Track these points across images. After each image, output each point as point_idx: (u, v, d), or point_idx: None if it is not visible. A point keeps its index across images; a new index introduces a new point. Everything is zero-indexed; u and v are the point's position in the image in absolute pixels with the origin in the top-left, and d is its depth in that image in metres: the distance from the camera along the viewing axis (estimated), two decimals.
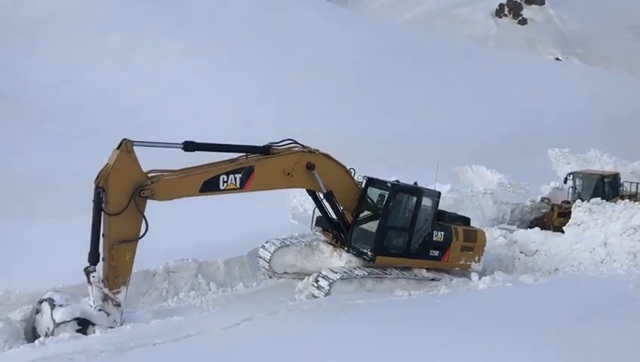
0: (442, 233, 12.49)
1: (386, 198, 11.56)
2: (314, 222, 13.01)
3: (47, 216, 15.26)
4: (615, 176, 21.83)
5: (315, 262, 12.47)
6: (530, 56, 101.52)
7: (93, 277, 8.76)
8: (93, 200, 8.72)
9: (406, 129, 34.81)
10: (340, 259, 12.16)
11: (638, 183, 21.87)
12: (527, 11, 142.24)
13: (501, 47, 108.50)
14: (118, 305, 8.99)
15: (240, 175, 10.01)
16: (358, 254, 11.73)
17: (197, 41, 44.31)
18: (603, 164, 30.69)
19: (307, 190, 11.80)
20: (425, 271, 12.44)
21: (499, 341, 8.37)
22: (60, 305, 8.66)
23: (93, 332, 8.34)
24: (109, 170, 8.62)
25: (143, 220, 9.01)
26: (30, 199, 16.57)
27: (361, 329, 8.65)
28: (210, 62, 40.57)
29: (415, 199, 11.89)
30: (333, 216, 11.94)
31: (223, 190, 9.88)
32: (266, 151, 10.47)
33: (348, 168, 11.86)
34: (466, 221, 13.76)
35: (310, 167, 10.86)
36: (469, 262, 13.12)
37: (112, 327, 8.55)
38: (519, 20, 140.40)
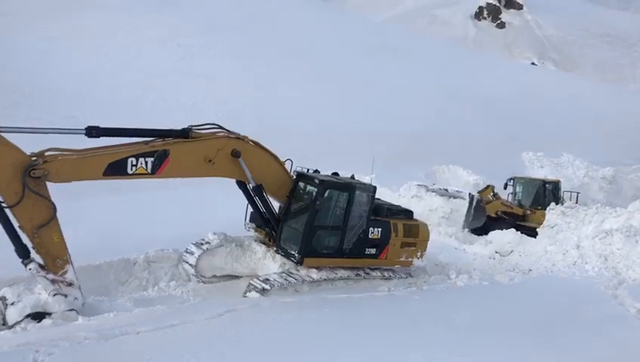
0: (379, 229, 11.62)
1: (314, 195, 10.63)
2: (248, 218, 11.99)
3: None
4: (556, 184, 21.94)
5: (247, 263, 11.48)
6: (507, 59, 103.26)
7: (30, 269, 8.37)
8: None
9: (383, 126, 35.05)
10: (273, 261, 11.23)
11: (578, 193, 22.13)
12: (505, 15, 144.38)
13: (479, 50, 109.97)
14: (71, 283, 8.68)
15: (152, 159, 9.06)
16: (287, 255, 10.87)
17: (178, 28, 43.81)
18: (575, 168, 31.51)
19: (237, 181, 10.81)
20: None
21: (477, 339, 8.62)
22: (12, 303, 8.33)
23: (51, 321, 8.10)
24: None
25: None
26: None
27: (342, 323, 8.80)
28: (191, 51, 40.18)
29: (347, 195, 10.98)
30: (264, 211, 11.03)
31: (132, 174, 8.95)
32: (185, 134, 9.51)
33: (284, 159, 11.02)
34: (408, 214, 12.69)
35: (235, 154, 9.88)
36: (410, 259, 12.38)
37: (73, 310, 8.34)
38: (498, 24, 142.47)
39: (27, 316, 8.10)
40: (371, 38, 61.53)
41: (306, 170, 11.58)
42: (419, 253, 12.51)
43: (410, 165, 27.80)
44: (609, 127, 49.05)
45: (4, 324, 8.27)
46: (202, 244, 11.39)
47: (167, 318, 8.07)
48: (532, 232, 17.14)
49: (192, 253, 11.25)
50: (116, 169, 8.76)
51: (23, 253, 8.40)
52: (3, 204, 8.05)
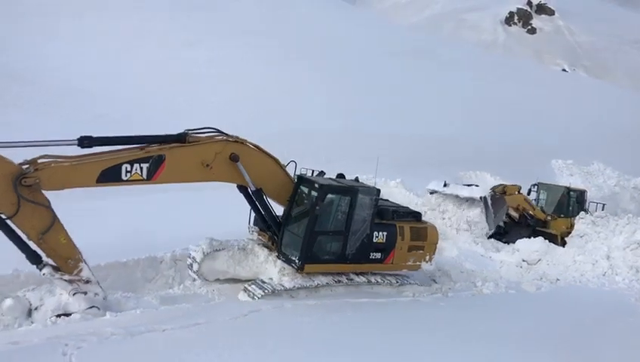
0: (384, 233, 11.16)
1: (314, 200, 10.24)
2: (251, 222, 11.77)
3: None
4: (582, 193, 21.18)
5: (250, 267, 11.20)
6: (538, 65, 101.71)
7: (45, 274, 8.51)
8: None
9: (411, 129, 34.90)
10: (274, 265, 10.96)
11: (604, 204, 21.49)
12: (536, 21, 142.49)
13: (509, 55, 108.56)
14: (88, 281, 8.74)
15: (147, 164, 8.80)
16: (287, 261, 10.56)
17: (207, 32, 44.35)
18: (606, 177, 30.86)
19: (237, 186, 10.51)
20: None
21: (500, 348, 8.47)
22: (36, 308, 8.55)
23: (80, 316, 8.26)
24: None
25: None
26: None
27: (365, 327, 8.77)
28: (220, 54, 40.60)
29: (348, 199, 10.57)
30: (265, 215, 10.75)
31: (126, 181, 8.72)
32: (181, 139, 9.21)
33: (288, 161, 10.70)
34: (416, 216, 12.17)
35: (234, 158, 9.60)
36: (418, 263, 11.82)
37: (94, 307, 8.46)
38: (528, 29, 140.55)
39: (50, 319, 8.22)
40: (399, 41, 61.36)
41: (311, 172, 11.23)
42: (427, 257, 11.96)
43: (436, 169, 27.56)
44: None
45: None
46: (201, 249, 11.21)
47: (193, 317, 8.14)
48: (553, 239, 16.86)
49: (194, 256, 11.11)
50: (110, 176, 8.58)
51: (34, 259, 8.50)
52: (3, 216, 8.04)
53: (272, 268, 10.95)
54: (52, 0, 40.11)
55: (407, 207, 12.83)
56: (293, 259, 10.36)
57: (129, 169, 8.69)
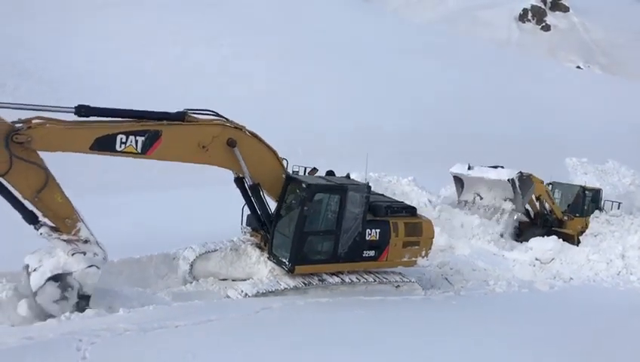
0: (377, 230, 10.93)
1: (302, 200, 10.08)
2: (244, 222, 11.67)
3: None
4: (597, 192, 20.96)
5: (242, 268, 11.12)
6: (552, 62, 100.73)
7: (42, 234, 8.32)
8: None
9: (425, 127, 34.77)
10: (265, 266, 10.90)
11: (620, 203, 21.21)
12: (550, 18, 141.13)
13: (523, 52, 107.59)
14: (87, 240, 8.63)
15: (143, 138, 8.69)
16: (278, 263, 10.47)
17: (221, 29, 44.47)
18: (621, 176, 30.52)
19: (235, 179, 10.44)
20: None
21: (510, 350, 8.40)
22: (34, 270, 8.37)
23: (74, 280, 8.19)
24: None
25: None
26: None
27: (376, 325, 8.75)
28: (234, 51, 40.70)
29: (338, 197, 10.38)
30: (260, 212, 10.60)
31: (120, 152, 8.57)
32: (179, 117, 9.17)
33: (282, 158, 10.54)
34: (411, 211, 11.88)
35: (231, 143, 9.53)
36: (414, 258, 11.59)
37: (93, 266, 8.38)
38: (542, 26, 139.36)
39: (48, 279, 8.13)
40: (412, 39, 61.14)
41: (303, 170, 11.10)
42: (423, 252, 11.73)
43: (450, 166, 27.40)
44: None
45: (35, 295, 8.30)
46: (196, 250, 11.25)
47: (205, 313, 8.18)
48: (570, 239, 16.69)
49: (186, 257, 11.13)
50: (104, 144, 8.45)
51: (31, 219, 8.34)
52: None
53: (263, 269, 10.91)
54: None
55: (402, 202, 12.65)
56: (284, 260, 10.28)
57: (124, 140, 8.58)
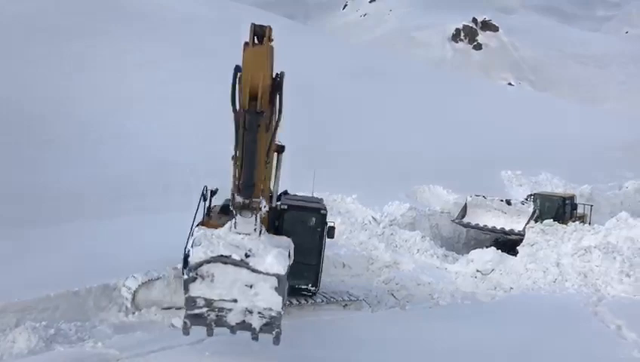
0: None
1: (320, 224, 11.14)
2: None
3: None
4: (572, 198, 22.66)
5: None
6: (485, 80, 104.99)
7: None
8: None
9: (365, 146, 35.29)
10: None
11: (592, 206, 22.71)
12: (482, 37, 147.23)
13: (457, 71, 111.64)
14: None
15: None
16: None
17: (160, 53, 43.85)
18: (554, 186, 31.94)
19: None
20: None
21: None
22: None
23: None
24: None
25: None
26: None
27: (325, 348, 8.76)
28: (173, 76, 40.15)
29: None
30: None
31: None
32: None
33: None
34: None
35: None
36: None
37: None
38: (474, 45, 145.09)
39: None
40: (351, 61, 62.18)
41: None
42: None
43: (391, 185, 27.93)
44: (584, 145, 49.86)
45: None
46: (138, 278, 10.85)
47: (147, 345, 7.97)
48: None
49: (128, 286, 10.75)
50: None
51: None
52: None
53: None
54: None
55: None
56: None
57: None
